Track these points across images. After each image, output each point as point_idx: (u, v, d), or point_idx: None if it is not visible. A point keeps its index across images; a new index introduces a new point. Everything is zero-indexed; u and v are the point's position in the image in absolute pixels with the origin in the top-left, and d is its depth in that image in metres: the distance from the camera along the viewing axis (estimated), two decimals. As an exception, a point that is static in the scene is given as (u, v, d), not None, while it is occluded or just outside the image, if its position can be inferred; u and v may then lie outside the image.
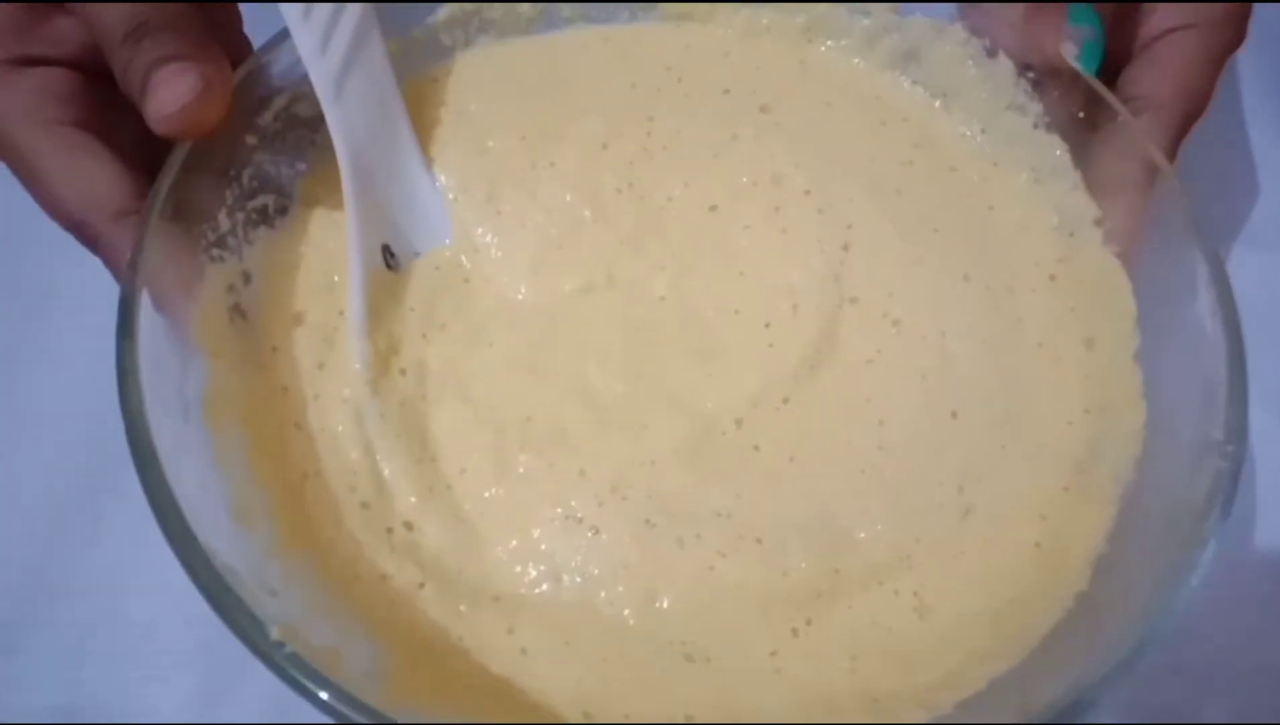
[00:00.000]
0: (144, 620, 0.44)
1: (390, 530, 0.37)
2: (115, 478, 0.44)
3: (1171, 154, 0.42)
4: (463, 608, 0.36)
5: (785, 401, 0.40)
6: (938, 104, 0.47)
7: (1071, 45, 0.42)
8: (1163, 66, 0.43)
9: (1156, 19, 0.44)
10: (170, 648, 0.43)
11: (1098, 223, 0.42)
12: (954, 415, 0.40)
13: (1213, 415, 0.35)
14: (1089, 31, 0.42)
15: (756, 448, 0.39)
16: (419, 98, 0.45)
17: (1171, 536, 0.33)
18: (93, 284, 0.40)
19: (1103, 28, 0.42)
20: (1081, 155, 0.43)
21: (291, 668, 0.29)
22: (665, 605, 0.36)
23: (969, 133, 0.46)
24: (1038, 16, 0.43)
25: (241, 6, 0.45)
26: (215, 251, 0.39)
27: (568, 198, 0.44)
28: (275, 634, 0.29)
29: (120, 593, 0.44)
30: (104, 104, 0.40)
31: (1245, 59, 0.57)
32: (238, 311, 0.39)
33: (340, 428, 0.38)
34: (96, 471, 0.46)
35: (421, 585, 0.36)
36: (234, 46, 0.44)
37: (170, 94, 0.35)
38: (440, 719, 0.32)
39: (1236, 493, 0.33)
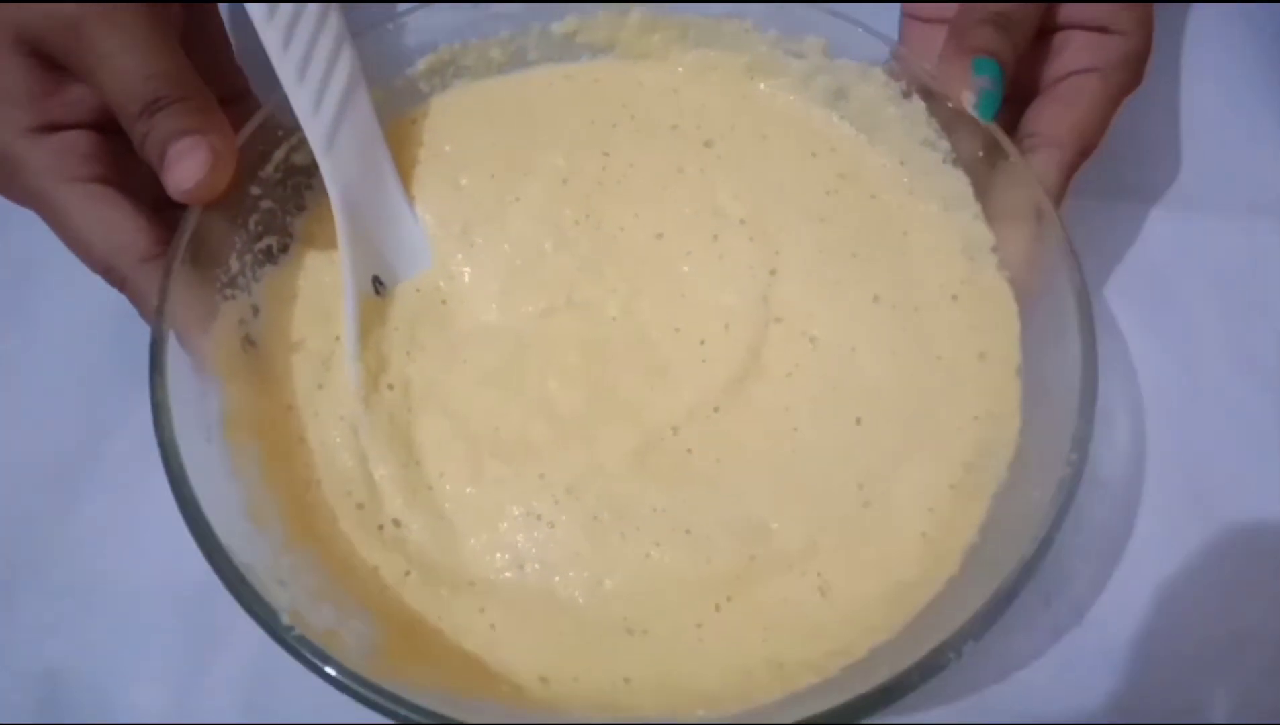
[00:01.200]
0: (124, 588, 0.44)
1: (381, 527, 0.43)
2: (96, 446, 0.47)
3: (1063, 187, 0.47)
4: (443, 592, 0.42)
5: (716, 410, 0.46)
6: (863, 137, 0.53)
7: (969, 95, 0.47)
8: (1063, 107, 0.48)
9: (1061, 61, 0.49)
10: (150, 616, 0.44)
11: (994, 249, 0.48)
12: (858, 422, 0.46)
13: (1067, 428, 0.41)
14: (987, 82, 0.47)
15: (690, 452, 0.45)
16: (400, 138, 0.51)
17: (1025, 531, 0.39)
18: (74, 256, 0.43)
19: (1002, 79, 0.47)
20: (982, 188, 0.49)
21: (301, 647, 0.35)
22: (609, 587, 0.42)
23: (888, 164, 0.52)
24: (947, 67, 0.48)
25: (235, 43, 0.50)
26: (228, 291, 0.45)
27: (532, 230, 0.49)
28: (286, 619, 0.36)
29: (100, 561, 0.45)
30: (121, 157, 0.44)
31: (1192, 24, 0.59)
32: (248, 341, 0.45)
33: (338, 440, 0.44)
34: (77, 440, 0.47)
35: (408, 573, 0.42)
36: (229, 83, 0.49)
37: (186, 171, 0.41)
38: (425, 687, 0.38)
39: (1076, 494, 0.39)
